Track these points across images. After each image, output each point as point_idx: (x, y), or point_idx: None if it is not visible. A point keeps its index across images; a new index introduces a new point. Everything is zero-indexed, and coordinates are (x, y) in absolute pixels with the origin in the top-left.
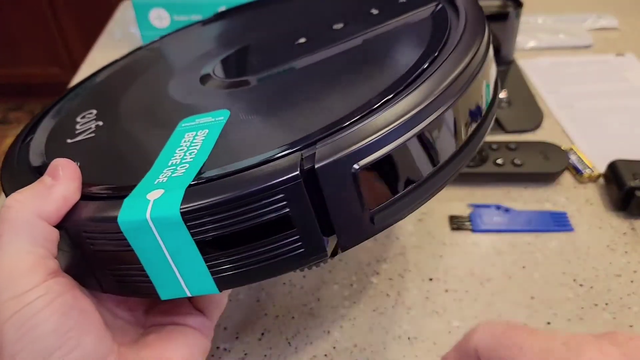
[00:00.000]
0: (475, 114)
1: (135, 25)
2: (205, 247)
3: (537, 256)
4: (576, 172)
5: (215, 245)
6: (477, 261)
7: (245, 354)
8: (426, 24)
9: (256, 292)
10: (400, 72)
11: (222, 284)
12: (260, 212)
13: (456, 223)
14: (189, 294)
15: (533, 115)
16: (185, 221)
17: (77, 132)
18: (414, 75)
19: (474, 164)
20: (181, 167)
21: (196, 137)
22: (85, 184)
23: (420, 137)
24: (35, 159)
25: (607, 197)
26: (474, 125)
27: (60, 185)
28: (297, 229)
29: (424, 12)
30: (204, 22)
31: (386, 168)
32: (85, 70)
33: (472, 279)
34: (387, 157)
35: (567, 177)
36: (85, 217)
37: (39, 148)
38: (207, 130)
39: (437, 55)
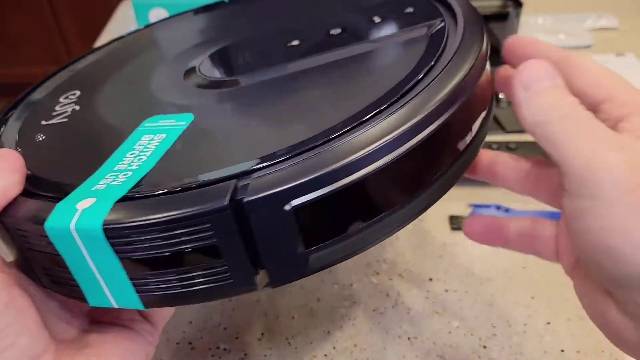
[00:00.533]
0: (433, 167)
1: (135, 25)
2: (130, 265)
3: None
4: None
5: (140, 264)
6: (477, 261)
7: (245, 354)
8: (421, 45)
9: (256, 292)
10: (375, 96)
11: (148, 302)
12: (185, 238)
13: (456, 223)
14: (115, 306)
15: None
16: (108, 237)
17: (54, 113)
18: (384, 106)
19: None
20: (123, 175)
21: (151, 142)
22: (32, 176)
23: (368, 181)
24: (8, 137)
25: None
26: (435, 173)
27: (0, 178)
28: (224, 260)
29: (423, 29)
30: (203, 9)
31: (326, 209)
32: None
33: (472, 279)
34: (328, 198)
35: None
36: (19, 215)
37: (16, 125)
38: (164, 135)
39: (408, 90)
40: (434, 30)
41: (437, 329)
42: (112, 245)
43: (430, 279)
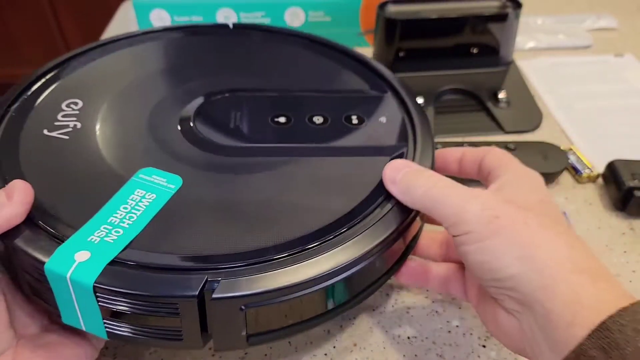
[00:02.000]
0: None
1: (136, 26)
2: (106, 311)
3: None
4: (575, 172)
5: (114, 313)
6: None
7: (246, 353)
8: (376, 173)
9: None
10: (331, 219)
11: (112, 336)
12: (156, 309)
13: None
14: (84, 329)
15: (532, 115)
16: (95, 291)
17: (56, 124)
18: (331, 237)
19: None
20: (116, 232)
21: (143, 200)
22: (35, 205)
23: (317, 295)
24: (11, 138)
25: (606, 197)
26: (352, 296)
27: (10, 207)
28: (181, 328)
29: (385, 154)
30: (206, 29)
31: (270, 312)
32: None
33: None
34: (277, 306)
35: (566, 177)
36: (19, 244)
37: (18, 124)
38: (154, 196)
39: (361, 219)
40: (394, 155)
41: (437, 329)
42: (97, 297)
43: None
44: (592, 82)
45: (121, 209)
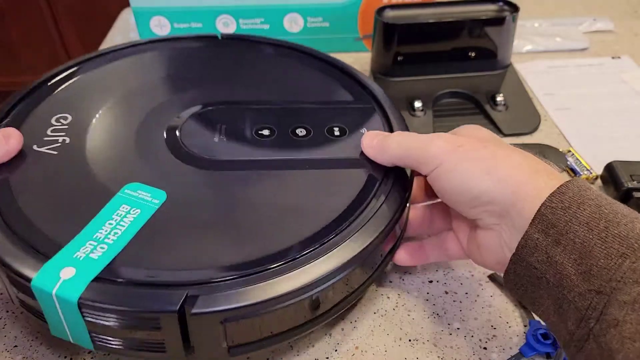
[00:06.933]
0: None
1: (136, 33)
2: (91, 325)
3: None
4: (574, 174)
5: (99, 327)
6: None
7: (248, 357)
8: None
9: None
10: (308, 233)
11: (98, 347)
12: (139, 323)
13: None
14: (71, 341)
15: (530, 118)
16: (80, 307)
17: (45, 139)
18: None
19: None
20: (101, 247)
21: (127, 215)
22: (24, 221)
23: (297, 306)
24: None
25: None
26: (324, 312)
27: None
28: (164, 340)
29: (363, 171)
30: (198, 40)
31: (253, 323)
32: None
33: (472, 280)
34: (257, 318)
35: None
36: (7, 258)
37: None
38: (139, 211)
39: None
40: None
41: (438, 331)
42: (82, 312)
43: (430, 281)
44: (589, 84)
45: (106, 224)
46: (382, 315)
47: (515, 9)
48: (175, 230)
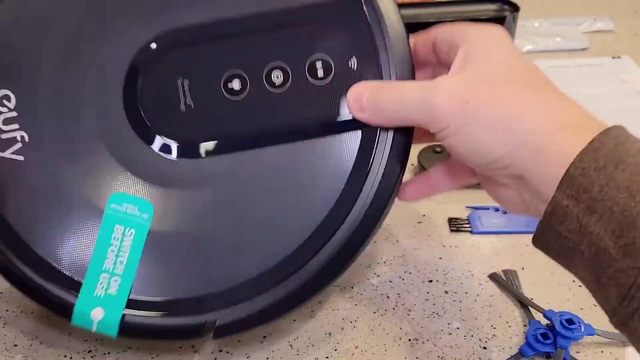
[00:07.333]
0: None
1: None
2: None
3: (535, 257)
4: None
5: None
6: (476, 263)
7: (248, 357)
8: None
9: None
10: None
11: (122, 334)
12: (165, 336)
13: (455, 225)
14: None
15: None
16: (119, 334)
17: (3, 137)
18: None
19: None
20: (114, 280)
21: (125, 238)
22: (32, 253)
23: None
24: None
25: None
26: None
27: None
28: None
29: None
30: None
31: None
32: None
33: (472, 280)
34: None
35: None
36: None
37: None
38: (133, 231)
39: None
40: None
41: (438, 331)
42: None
43: (430, 281)
44: (589, 84)
45: (109, 252)
46: (381, 315)
47: (515, 8)
48: (174, 249)
